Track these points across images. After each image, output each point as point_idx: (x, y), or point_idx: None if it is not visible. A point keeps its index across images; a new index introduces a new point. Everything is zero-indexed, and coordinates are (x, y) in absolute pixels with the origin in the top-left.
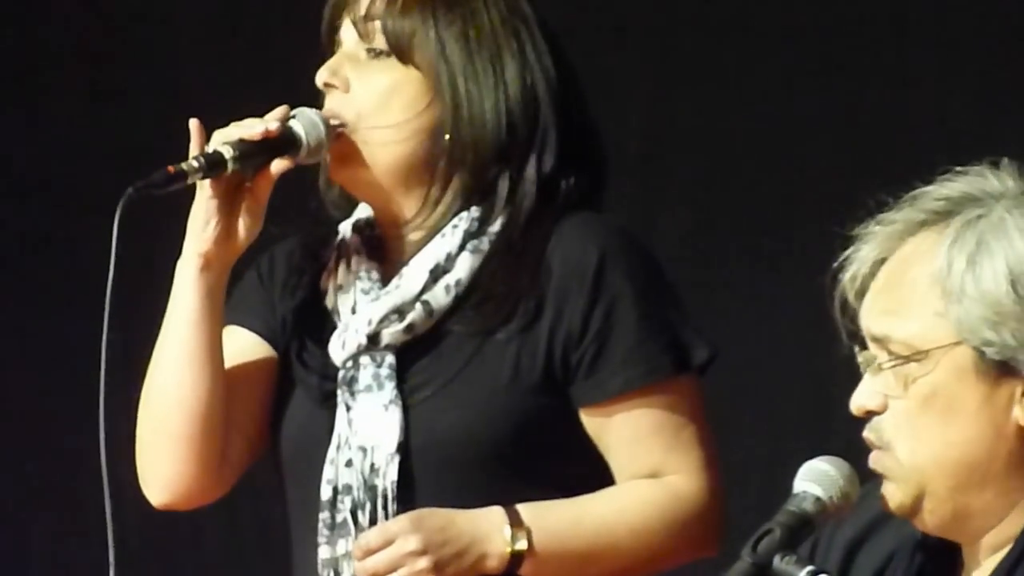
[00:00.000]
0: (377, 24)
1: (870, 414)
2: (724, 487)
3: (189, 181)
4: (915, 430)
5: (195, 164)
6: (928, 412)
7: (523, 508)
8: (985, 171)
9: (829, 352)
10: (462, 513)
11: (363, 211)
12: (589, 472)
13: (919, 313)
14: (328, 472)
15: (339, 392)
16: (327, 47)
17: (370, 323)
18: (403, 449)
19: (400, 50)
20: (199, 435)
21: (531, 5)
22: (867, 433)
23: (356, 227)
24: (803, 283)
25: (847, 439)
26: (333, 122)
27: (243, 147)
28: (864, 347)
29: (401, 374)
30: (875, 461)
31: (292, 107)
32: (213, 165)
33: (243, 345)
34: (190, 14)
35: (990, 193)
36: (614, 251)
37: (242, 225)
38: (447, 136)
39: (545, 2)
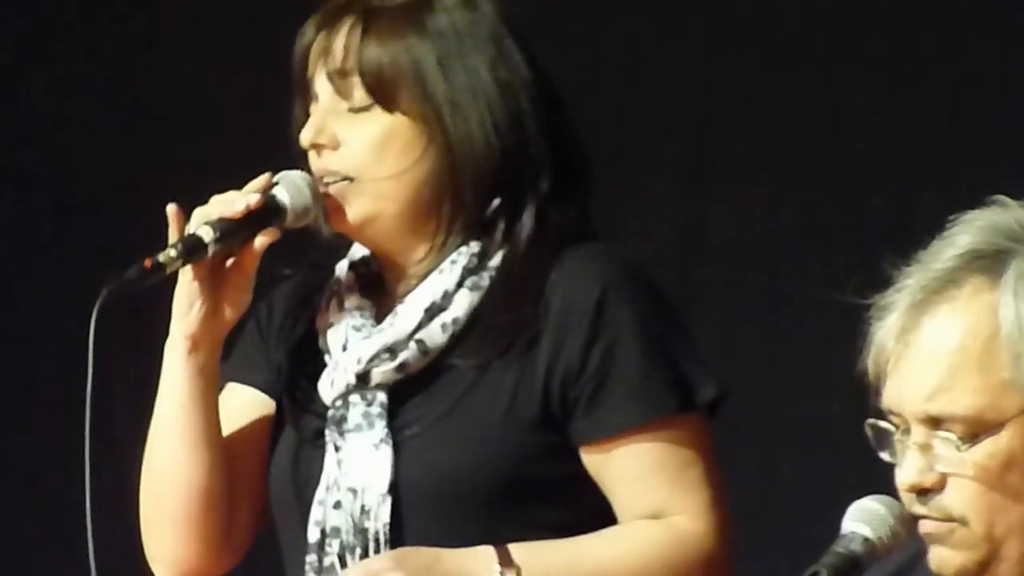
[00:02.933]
0: (355, 79)
1: (925, 492)
2: (731, 529)
3: (168, 272)
4: (992, 503)
5: (173, 253)
6: (1004, 483)
7: (514, 548)
8: (994, 212)
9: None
10: (449, 552)
11: (360, 249)
12: (588, 515)
13: (982, 384)
14: (316, 513)
15: (328, 432)
16: (301, 93)
17: (359, 362)
18: (394, 489)
19: (384, 101)
20: (200, 515)
21: (511, 27)
22: (923, 510)
23: (352, 265)
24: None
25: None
26: (328, 179)
27: (224, 226)
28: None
29: (393, 411)
30: (937, 535)
31: (275, 171)
32: (193, 250)
33: (243, 403)
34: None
35: (1011, 236)
36: (617, 285)
37: (229, 301)
38: (448, 178)
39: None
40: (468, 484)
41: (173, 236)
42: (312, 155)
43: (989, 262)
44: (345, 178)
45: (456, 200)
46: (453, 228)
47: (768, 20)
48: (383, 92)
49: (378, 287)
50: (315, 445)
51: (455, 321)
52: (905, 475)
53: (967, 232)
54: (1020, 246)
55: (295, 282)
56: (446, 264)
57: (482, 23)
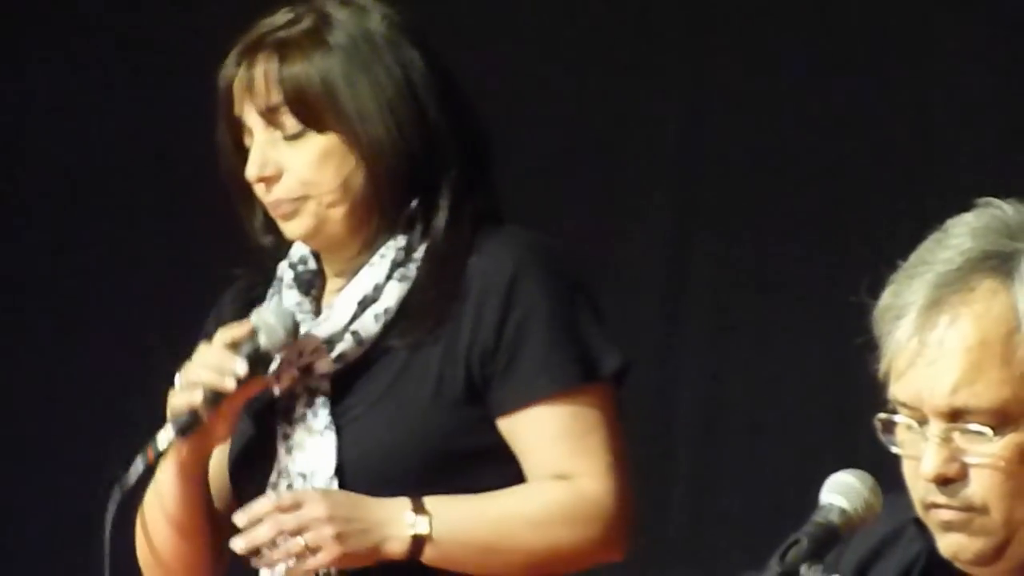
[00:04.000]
0: (283, 109)
1: (947, 482)
2: (631, 492)
3: (170, 453)
4: (1013, 490)
5: (171, 436)
6: (1023, 471)
7: (428, 498)
8: (988, 213)
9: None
10: (369, 497)
11: (298, 249)
12: (516, 483)
13: (1005, 378)
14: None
15: (277, 423)
16: (226, 125)
17: (301, 355)
18: (339, 472)
19: (313, 123)
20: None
21: (407, 30)
22: (944, 499)
23: (291, 265)
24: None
25: (870, 456)
26: (283, 208)
27: (216, 396)
28: (894, 414)
29: (335, 399)
30: (957, 523)
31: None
32: (190, 427)
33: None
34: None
35: (1013, 232)
36: (527, 264)
37: (219, 429)
38: (370, 181)
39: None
40: (404, 461)
41: (171, 413)
42: (260, 188)
43: (997, 262)
44: (296, 199)
45: (378, 201)
46: (380, 226)
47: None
48: (310, 115)
49: (316, 284)
50: (266, 436)
51: (387, 311)
52: (929, 466)
53: (966, 234)
54: (1021, 245)
55: (240, 286)
56: (376, 259)
57: (375, 31)
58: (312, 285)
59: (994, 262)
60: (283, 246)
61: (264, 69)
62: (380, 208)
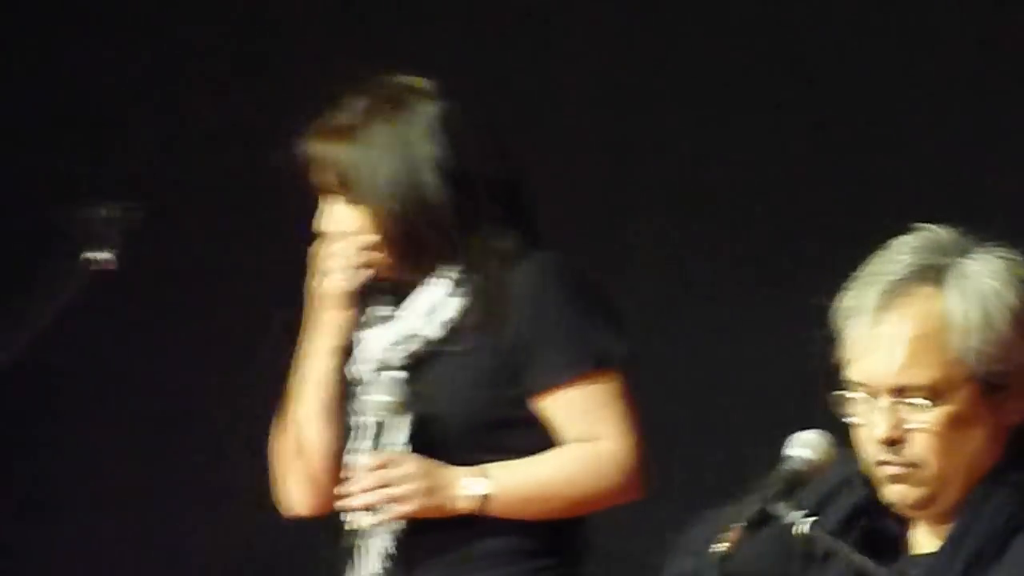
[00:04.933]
0: (338, 184)
1: (893, 443)
2: (643, 449)
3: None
4: (944, 449)
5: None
6: (952, 434)
7: (489, 465)
8: (923, 235)
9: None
10: (446, 465)
11: None
12: (546, 444)
13: (938, 361)
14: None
15: (361, 399)
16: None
17: (380, 351)
18: (412, 439)
19: (350, 197)
20: (323, 477)
21: (451, 111)
22: (890, 457)
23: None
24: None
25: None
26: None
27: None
28: (848, 391)
29: (408, 382)
30: (900, 476)
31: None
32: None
33: None
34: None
35: (944, 249)
36: (552, 281)
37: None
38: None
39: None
40: (461, 428)
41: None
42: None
43: (934, 273)
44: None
45: (433, 243)
46: (439, 259)
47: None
48: (346, 185)
49: (395, 294)
50: (354, 409)
51: (450, 320)
52: (879, 431)
53: (908, 252)
54: (951, 259)
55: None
56: (438, 281)
57: (422, 117)
58: (401, 290)
59: (930, 273)
60: None
61: (327, 151)
62: (435, 248)
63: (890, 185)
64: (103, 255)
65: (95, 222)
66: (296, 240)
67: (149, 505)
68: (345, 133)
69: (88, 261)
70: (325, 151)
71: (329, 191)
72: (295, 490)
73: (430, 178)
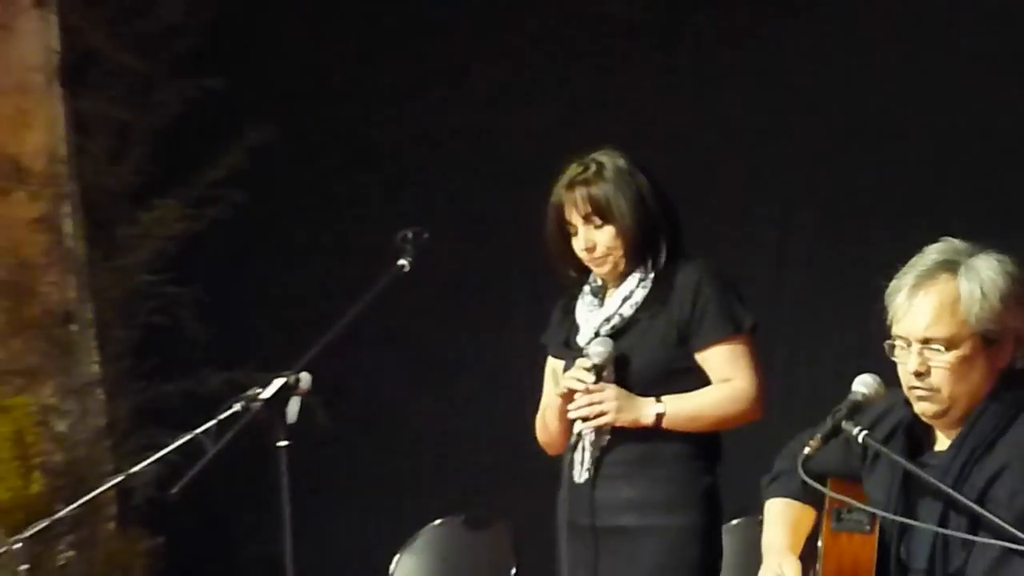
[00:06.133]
0: (591, 215)
1: (920, 375)
2: (764, 386)
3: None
4: (954, 380)
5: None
6: (960, 370)
7: (664, 396)
8: (946, 243)
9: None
10: (634, 395)
11: (594, 276)
12: (699, 384)
13: (952, 323)
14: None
15: (587, 352)
16: (558, 224)
17: (594, 327)
18: (616, 378)
19: (606, 220)
20: (561, 439)
21: (640, 166)
22: (917, 383)
23: (590, 283)
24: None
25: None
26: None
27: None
28: (893, 341)
29: (613, 342)
30: (925, 397)
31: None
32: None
33: (556, 365)
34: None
35: (959, 252)
36: (705, 276)
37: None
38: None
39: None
40: (648, 373)
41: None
42: (584, 253)
43: (951, 267)
44: (602, 256)
45: (633, 253)
46: (633, 264)
47: None
48: (604, 216)
49: (600, 292)
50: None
51: (637, 303)
52: (912, 366)
53: (935, 253)
54: (963, 259)
55: (564, 296)
56: (631, 279)
57: (623, 167)
58: (599, 292)
59: (949, 266)
60: (580, 278)
61: (580, 194)
62: (633, 257)
63: (926, 208)
64: (404, 263)
65: (401, 240)
66: (538, 248)
67: (470, 448)
68: (592, 180)
69: (398, 267)
70: (582, 192)
71: (587, 222)
72: (544, 443)
73: (649, 204)
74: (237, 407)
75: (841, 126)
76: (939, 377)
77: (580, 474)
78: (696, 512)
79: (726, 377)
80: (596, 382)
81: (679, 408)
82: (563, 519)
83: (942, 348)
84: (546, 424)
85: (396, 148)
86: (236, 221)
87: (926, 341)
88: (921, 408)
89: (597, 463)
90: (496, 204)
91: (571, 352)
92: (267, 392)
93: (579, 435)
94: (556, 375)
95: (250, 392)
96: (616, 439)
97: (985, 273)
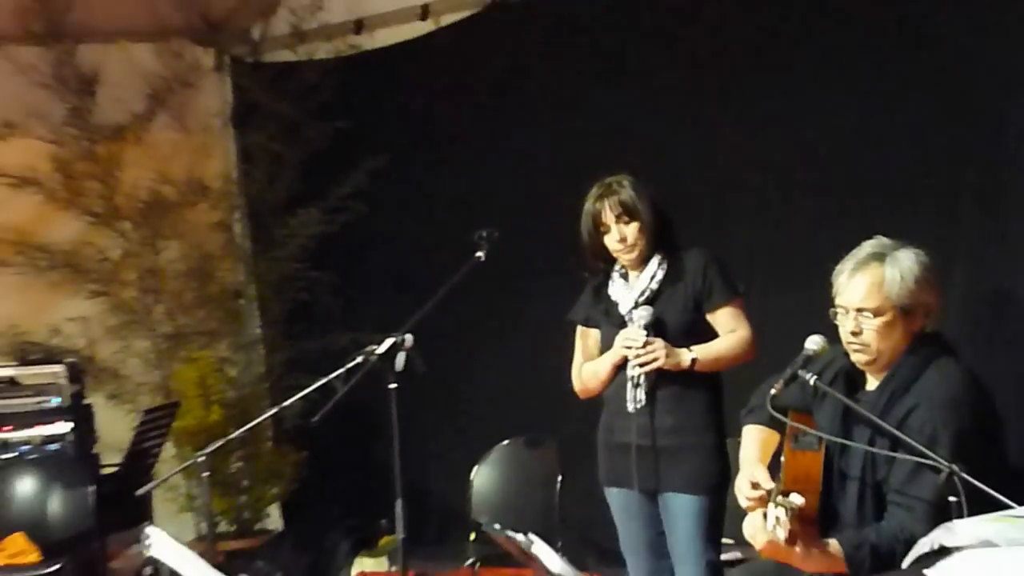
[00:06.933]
0: (623, 216)
1: (855, 334)
2: (755, 336)
3: (611, 357)
4: (880, 338)
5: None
6: (885, 331)
7: (695, 346)
8: (878, 240)
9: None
10: (672, 347)
11: (619, 263)
12: (713, 336)
13: (877, 297)
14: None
15: (625, 323)
16: (595, 225)
17: (634, 298)
18: (657, 333)
19: (633, 219)
20: (598, 388)
21: (643, 184)
22: (853, 340)
23: (618, 268)
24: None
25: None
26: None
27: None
28: (836, 309)
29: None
30: (859, 351)
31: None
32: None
33: (591, 334)
34: None
35: (887, 247)
36: (709, 259)
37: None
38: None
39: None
40: (675, 329)
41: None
42: (618, 246)
43: (880, 256)
44: (630, 246)
45: (651, 243)
46: (651, 251)
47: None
48: (631, 217)
49: (628, 275)
50: (617, 329)
51: (659, 280)
52: (849, 327)
53: (869, 246)
54: (889, 251)
55: (592, 282)
56: (652, 263)
57: (640, 185)
58: (625, 276)
59: (879, 257)
60: (607, 268)
61: (611, 201)
62: (651, 246)
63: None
64: (480, 255)
65: (478, 238)
66: (575, 246)
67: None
68: (618, 191)
69: (475, 258)
70: (612, 199)
71: (619, 221)
72: (579, 391)
73: (659, 207)
74: (359, 359)
75: (786, 162)
76: (869, 336)
77: (633, 406)
78: (715, 434)
79: (732, 329)
80: (648, 336)
81: (707, 353)
82: (606, 440)
83: (871, 315)
84: (582, 379)
85: (473, 172)
86: (359, 224)
87: (860, 310)
88: (856, 358)
89: (649, 397)
90: (542, 212)
91: (611, 320)
92: (381, 348)
93: (634, 377)
94: (585, 338)
95: (368, 348)
96: (660, 377)
97: (904, 263)
